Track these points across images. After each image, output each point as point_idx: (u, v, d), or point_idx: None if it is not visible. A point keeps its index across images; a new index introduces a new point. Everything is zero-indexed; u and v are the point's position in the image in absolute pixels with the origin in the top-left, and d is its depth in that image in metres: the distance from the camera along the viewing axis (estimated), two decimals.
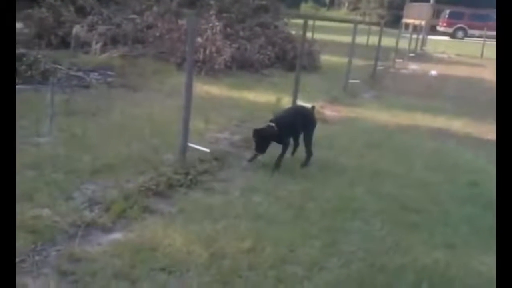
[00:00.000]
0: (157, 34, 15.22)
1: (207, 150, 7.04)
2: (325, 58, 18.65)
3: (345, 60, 14.89)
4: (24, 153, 6.47)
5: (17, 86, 10.28)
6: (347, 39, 16.67)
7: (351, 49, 14.49)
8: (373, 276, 4.66)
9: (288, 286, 4.40)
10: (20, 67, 10.82)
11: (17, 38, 11.76)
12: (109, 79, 12.01)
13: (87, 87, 10.93)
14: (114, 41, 15.04)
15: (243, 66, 15.32)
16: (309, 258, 4.85)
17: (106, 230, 5.12)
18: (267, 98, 11.28)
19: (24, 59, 11.17)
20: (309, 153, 7.38)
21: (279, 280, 4.46)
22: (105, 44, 14.67)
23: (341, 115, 11.40)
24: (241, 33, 16.29)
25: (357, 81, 14.79)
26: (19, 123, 7.68)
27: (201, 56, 13.51)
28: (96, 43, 14.54)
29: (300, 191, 6.40)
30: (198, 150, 6.96)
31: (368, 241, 5.36)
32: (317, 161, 7.43)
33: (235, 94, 11.81)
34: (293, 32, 17.89)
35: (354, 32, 14.46)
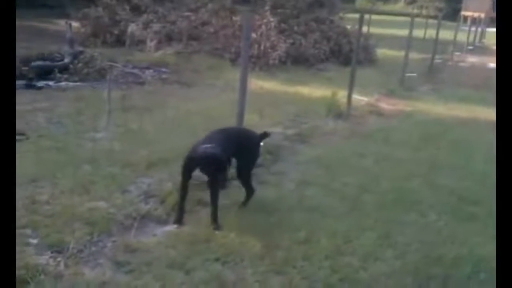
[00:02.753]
0: (212, 30, 15.33)
1: (261, 143, 7.01)
2: (381, 52, 18.40)
3: (401, 53, 14.65)
4: (81, 148, 6.62)
5: (74, 84, 10.59)
6: (403, 32, 16.41)
7: (408, 43, 14.23)
8: (428, 268, 4.56)
9: (343, 276, 4.33)
10: (77, 65, 11.09)
11: (74, 37, 12.07)
12: (164, 76, 12.17)
13: (142, 83, 11.10)
14: (168, 38, 15.24)
15: (297, 61, 15.26)
16: (364, 249, 4.78)
17: (161, 222, 5.17)
18: (322, 92, 11.18)
19: (81, 57, 11.45)
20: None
21: (334, 271, 4.40)
22: (159, 42, 14.87)
23: (397, 108, 11.22)
24: (296, 28, 16.23)
25: (414, 74, 14.54)
26: (77, 119, 7.90)
27: (255, 52, 13.53)
28: (151, 40, 14.75)
29: (355, 183, 6.31)
30: None
31: (424, 233, 5.25)
32: (373, 154, 7.31)
33: (290, 89, 11.78)
34: (349, 27, 17.72)
35: (411, 26, 14.19)
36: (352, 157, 7.23)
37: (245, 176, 5.47)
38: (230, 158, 5.23)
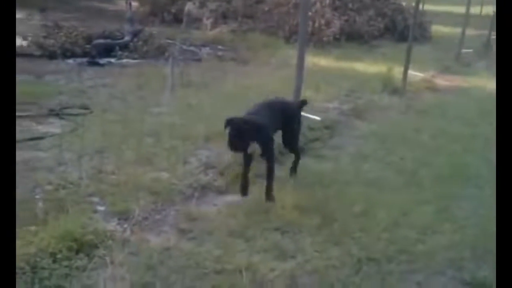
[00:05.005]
0: (266, 8, 15.34)
1: (318, 118, 7.10)
2: (437, 29, 18.08)
3: (457, 30, 14.42)
4: (143, 122, 6.82)
5: (134, 61, 10.84)
6: (458, 9, 16.08)
7: (465, 19, 13.96)
8: (486, 242, 4.55)
9: (400, 248, 4.39)
10: (137, 43, 11.35)
11: (133, 15, 12.31)
12: (220, 53, 12.33)
13: (199, 60, 11.29)
14: (224, 16, 15.34)
15: (351, 38, 15.15)
16: (422, 223, 4.82)
17: (221, 192, 5.34)
18: (377, 68, 11.13)
19: (141, 35, 11.70)
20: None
21: (391, 242, 4.47)
22: (215, 20, 14.98)
23: (453, 84, 11.08)
24: (350, 5, 16.06)
25: (470, 50, 14.27)
26: (138, 94, 8.11)
27: (310, 29, 13.49)
28: (207, 19, 14.88)
29: (412, 158, 6.33)
30: (309, 118, 7.02)
31: (482, 207, 5.23)
32: (429, 129, 7.29)
33: (344, 65, 11.75)
34: (404, 3, 17.48)
35: (468, 2, 13.92)
36: (408, 132, 7.22)
37: (291, 143, 5.64)
38: (274, 127, 5.35)
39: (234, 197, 5.22)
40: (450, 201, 5.29)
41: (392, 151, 6.50)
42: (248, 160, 5.21)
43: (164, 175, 5.46)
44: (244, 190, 5.20)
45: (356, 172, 5.86)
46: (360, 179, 5.66)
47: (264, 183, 5.17)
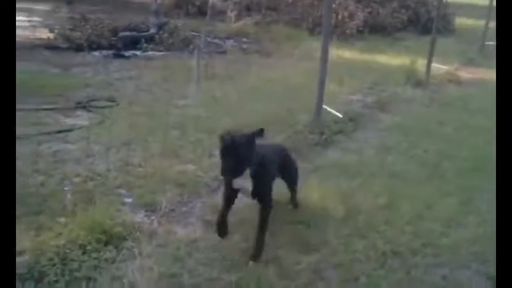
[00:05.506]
0: (290, 0, 15.32)
1: (340, 115, 7.13)
2: (460, 21, 17.91)
3: (480, 23, 14.27)
4: (169, 114, 6.89)
5: (160, 53, 10.93)
6: (482, 1, 15.92)
7: (488, 11, 13.81)
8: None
9: (425, 241, 4.41)
10: (162, 35, 11.44)
11: (159, 8, 12.39)
12: (244, 46, 12.39)
13: (223, 53, 11.35)
14: (248, 9, 15.38)
15: (375, 30, 15.10)
16: (446, 215, 4.83)
17: None
18: (400, 61, 11.09)
19: (166, 27, 11.79)
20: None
21: (416, 235, 4.48)
22: (239, 12, 15.02)
23: (476, 77, 11.00)
24: None
25: (494, 43, 14.10)
26: (164, 86, 8.18)
27: (333, 21, 13.45)
28: (231, 11, 14.92)
29: (435, 150, 6.33)
30: (332, 113, 7.05)
31: None
32: (453, 122, 7.26)
33: (367, 57, 11.72)
34: None
35: None
36: (432, 125, 7.21)
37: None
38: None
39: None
40: (473, 194, 5.29)
41: (415, 144, 6.50)
42: (231, 196, 4.23)
43: (190, 167, 5.52)
44: (221, 231, 4.19)
45: (380, 164, 5.88)
46: (384, 171, 5.67)
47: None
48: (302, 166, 5.70)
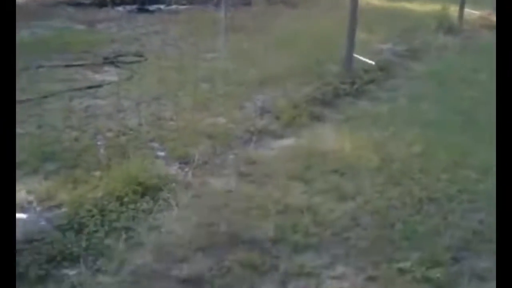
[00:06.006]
0: None
1: (372, 62, 7.01)
2: None
3: None
4: (197, 68, 6.85)
5: (184, 6, 10.83)
6: None
7: None
8: None
9: (461, 188, 4.35)
10: None
11: None
12: None
13: (248, 4, 11.17)
14: None
15: None
16: (482, 163, 4.73)
17: (277, 136, 5.36)
18: (430, 7, 10.79)
19: None
20: None
21: (452, 182, 4.43)
22: None
23: None
24: None
25: None
26: (190, 40, 8.13)
27: None
28: None
29: (470, 97, 6.20)
30: (362, 60, 6.93)
31: None
32: (487, 68, 7.09)
33: (397, 4, 11.46)
34: None
35: None
36: (466, 72, 7.06)
37: None
38: None
39: (291, 141, 5.23)
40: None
41: (449, 92, 6.38)
42: None
43: (221, 120, 5.52)
44: None
45: (414, 113, 5.79)
46: (417, 120, 5.58)
47: (321, 125, 5.10)
48: (333, 116, 5.69)
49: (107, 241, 3.56)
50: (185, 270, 3.33)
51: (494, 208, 4.05)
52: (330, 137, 5.17)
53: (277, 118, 5.62)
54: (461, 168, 4.69)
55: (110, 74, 6.80)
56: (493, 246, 3.66)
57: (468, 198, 4.25)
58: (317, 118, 5.68)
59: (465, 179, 4.51)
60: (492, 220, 3.96)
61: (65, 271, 3.32)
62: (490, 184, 4.42)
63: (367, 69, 6.95)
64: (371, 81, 6.69)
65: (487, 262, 3.49)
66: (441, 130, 5.35)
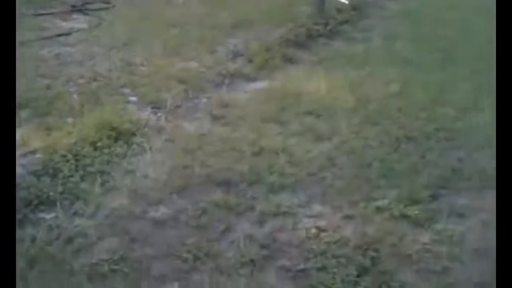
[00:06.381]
0: None
1: (346, 1, 6.88)
2: None
3: None
4: (167, 13, 6.67)
5: None
6: None
7: None
8: None
9: (439, 126, 4.30)
10: None
11: None
12: None
13: None
14: None
15: None
16: (460, 100, 4.69)
17: (250, 79, 5.27)
18: None
19: None
20: None
21: (430, 121, 4.37)
22: None
23: None
24: None
25: None
26: None
27: None
28: None
29: (447, 36, 6.10)
30: (335, 1, 6.80)
31: None
32: (466, 6, 7.00)
33: None
34: None
35: None
36: (444, 10, 6.93)
37: None
38: None
39: (264, 83, 5.14)
40: (488, 78, 5.13)
41: (426, 30, 6.28)
42: None
43: (193, 64, 5.40)
44: None
45: (390, 52, 5.71)
46: (394, 59, 5.51)
47: (294, 67, 5.02)
48: (307, 58, 5.60)
49: (83, 185, 3.50)
50: (160, 212, 3.29)
51: (472, 146, 4.08)
52: (304, 79, 5.08)
53: (250, 61, 5.52)
54: (439, 106, 4.64)
55: (79, 22, 6.61)
56: (471, 184, 3.68)
57: (446, 136, 4.21)
58: (290, 60, 5.59)
59: (443, 117, 4.46)
60: (470, 158, 3.95)
61: (42, 215, 3.27)
62: (468, 121, 4.40)
63: (340, 8, 6.83)
64: (345, 22, 6.58)
65: (466, 199, 3.48)
66: (418, 69, 5.29)
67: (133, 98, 4.74)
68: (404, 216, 3.30)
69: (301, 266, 2.91)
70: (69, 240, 3.05)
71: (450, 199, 3.48)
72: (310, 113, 4.52)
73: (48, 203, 3.34)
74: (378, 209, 3.36)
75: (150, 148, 3.89)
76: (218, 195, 3.42)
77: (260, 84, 5.14)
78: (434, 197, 3.50)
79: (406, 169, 3.76)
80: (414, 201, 3.42)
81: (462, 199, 3.49)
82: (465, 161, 3.91)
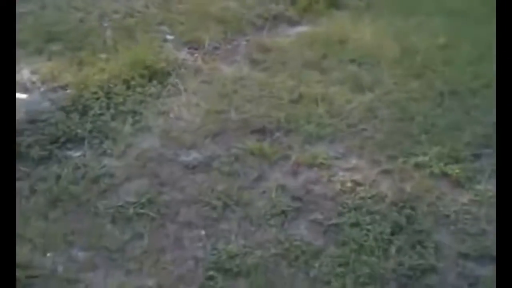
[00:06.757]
0: None
1: None
2: None
3: None
4: None
5: None
6: None
7: None
8: None
9: (486, 82, 4.08)
10: None
11: None
12: None
13: None
14: None
15: None
16: None
17: (293, 23, 5.09)
18: None
19: None
20: None
21: (477, 76, 4.17)
22: None
23: None
24: None
25: None
26: None
27: None
28: None
29: None
30: None
31: None
32: None
33: None
34: None
35: None
36: None
37: None
38: None
39: (307, 28, 4.97)
40: None
41: None
42: None
43: (233, 4, 5.22)
44: None
45: (438, 2, 5.43)
46: (442, 9, 5.24)
47: (340, 13, 4.87)
48: (353, 3, 5.39)
49: (113, 124, 3.45)
50: (192, 156, 3.23)
51: None
52: (349, 25, 4.88)
53: (293, 4, 5.31)
54: (487, 61, 4.40)
55: None
56: None
57: (493, 93, 4.01)
58: (335, 4, 5.35)
59: (491, 73, 4.24)
60: None
61: (69, 152, 3.24)
62: None
63: None
64: None
65: None
66: (468, 21, 5.03)
67: (170, 37, 4.63)
68: (444, 175, 3.19)
69: (334, 221, 2.84)
70: (95, 180, 3.03)
71: (493, 159, 3.30)
72: (353, 61, 4.36)
73: (75, 140, 3.31)
74: (417, 166, 3.24)
75: (185, 90, 3.81)
76: (252, 142, 3.35)
77: (302, 29, 4.98)
78: (476, 156, 3.36)
79: (449, 125, 3.62)
80: (456, 160, 3.29)
81: None
82: None
